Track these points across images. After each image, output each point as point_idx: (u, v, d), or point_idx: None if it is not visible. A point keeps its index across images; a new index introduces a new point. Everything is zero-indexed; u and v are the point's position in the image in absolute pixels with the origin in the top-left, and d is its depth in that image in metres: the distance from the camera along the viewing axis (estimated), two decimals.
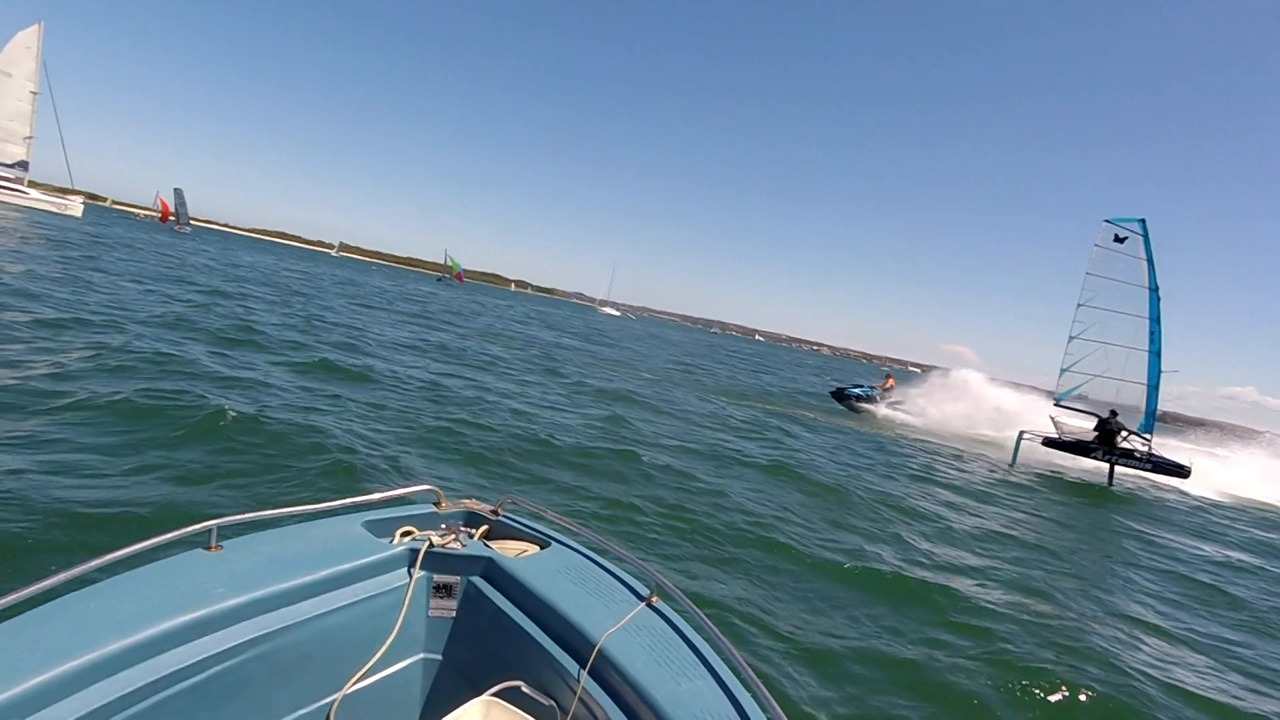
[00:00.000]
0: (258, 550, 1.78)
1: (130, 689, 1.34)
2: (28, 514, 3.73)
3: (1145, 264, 16.55)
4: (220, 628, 1.54)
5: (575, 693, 1.61)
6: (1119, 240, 16.81)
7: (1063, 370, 16.67)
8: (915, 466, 12.14)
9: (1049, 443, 15.80)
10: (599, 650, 1.64)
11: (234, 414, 6.18)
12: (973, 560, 6.63)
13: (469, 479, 6.23)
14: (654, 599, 1.92)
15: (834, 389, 21.54)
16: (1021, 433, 15.71)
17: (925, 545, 6.80)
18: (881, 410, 20.04)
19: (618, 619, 1.76)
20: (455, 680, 1.93)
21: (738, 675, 1.64)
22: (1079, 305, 16.77)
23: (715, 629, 1.71)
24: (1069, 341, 16.59)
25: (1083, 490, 13.99)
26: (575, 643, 1.71)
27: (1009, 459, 15.49)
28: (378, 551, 1.93)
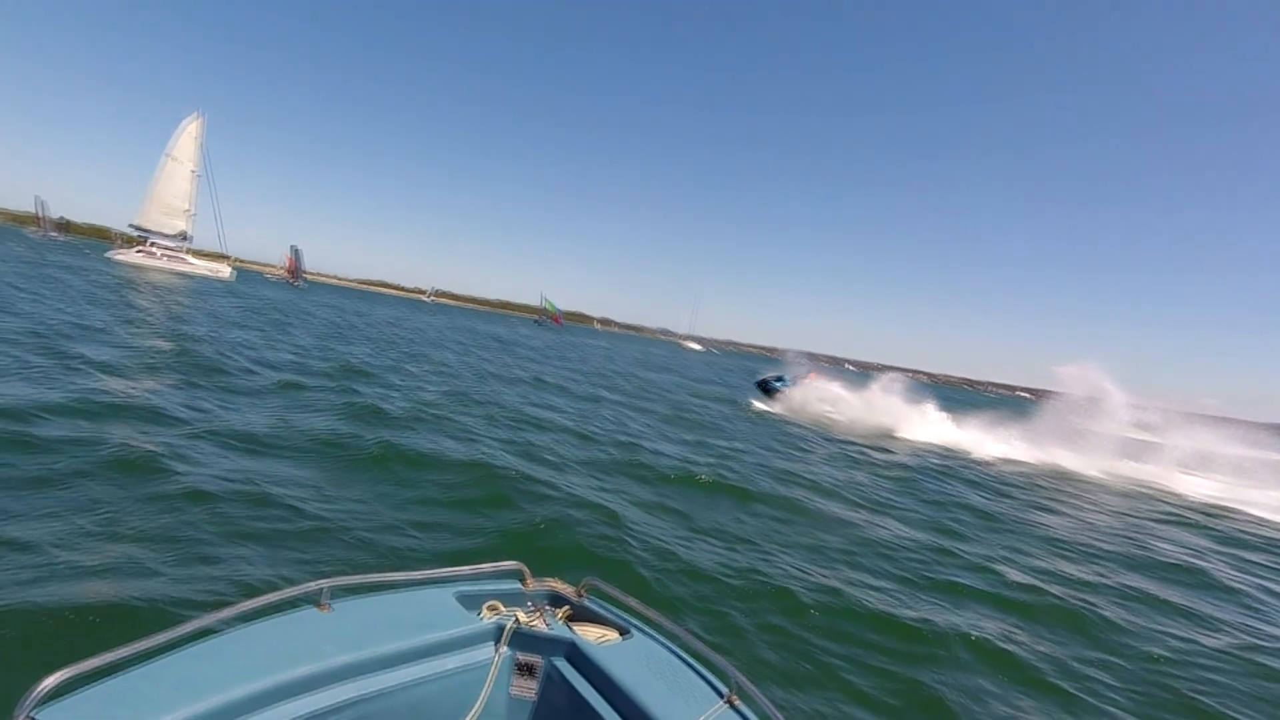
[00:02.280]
0: (363, 613, 1.90)
1: None
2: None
3: None
4: (327, 685, 1.65)
5: None
6: None
7: None
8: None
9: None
10: None
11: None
12: None
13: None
14: (734, 699, 1.87)
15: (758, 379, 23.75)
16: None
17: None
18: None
19: (696, 716, 1.75)
20: None
21: None
22: None
23: None
24: None
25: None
26: None
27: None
28: (466, 624, 2.00)
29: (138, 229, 50.91)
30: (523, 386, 16.46)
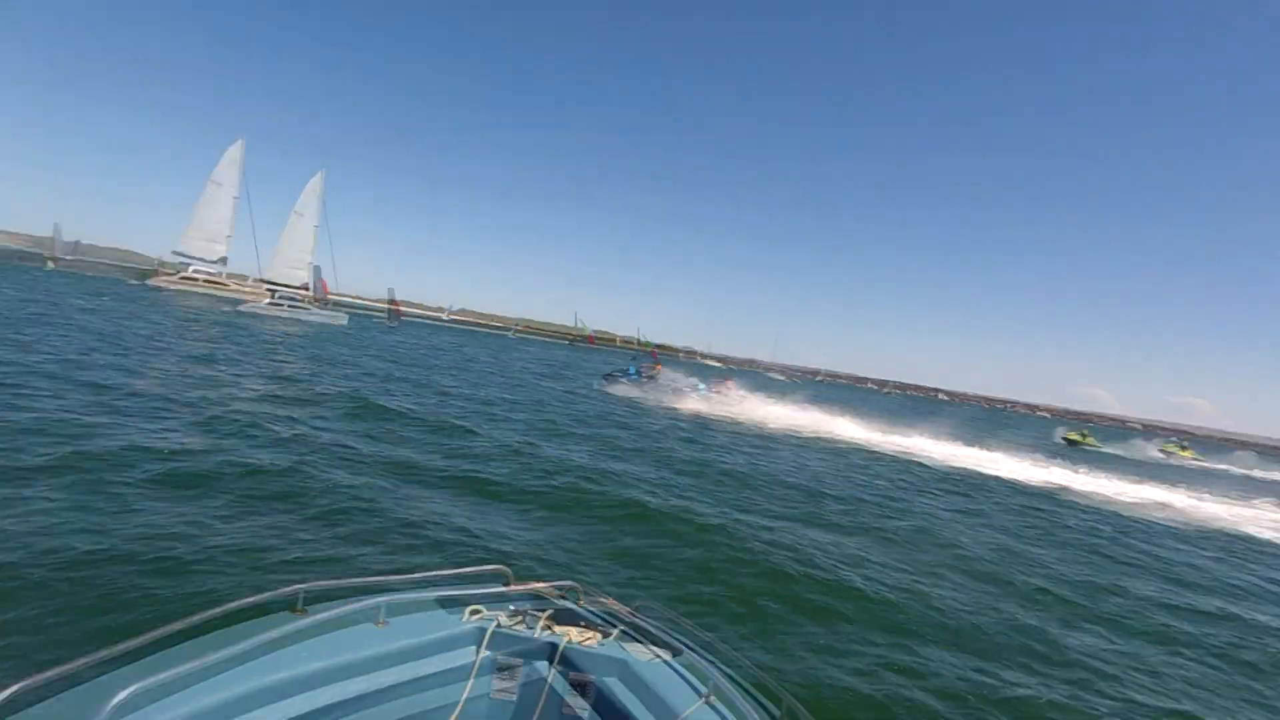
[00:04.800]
0: (339, 618, 1.89)
1: None
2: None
3: None
4: (306, 690, 1.70)
5: None
6: None
7: None
8: None
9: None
10: None
11: None
12: None
13: None
14: (711, 698, 1.84)
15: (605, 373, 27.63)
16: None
17: None
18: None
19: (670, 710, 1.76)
20: None
21: None
22: None
23: None
24: None
25: None
26: None
27: None
28: (447, 628, 2.02)
29: (182, 256, 49.99)
30: None
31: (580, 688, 1.92)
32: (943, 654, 4.87)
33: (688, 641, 2.09)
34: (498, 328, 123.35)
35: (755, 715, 1.76)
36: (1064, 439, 40.68)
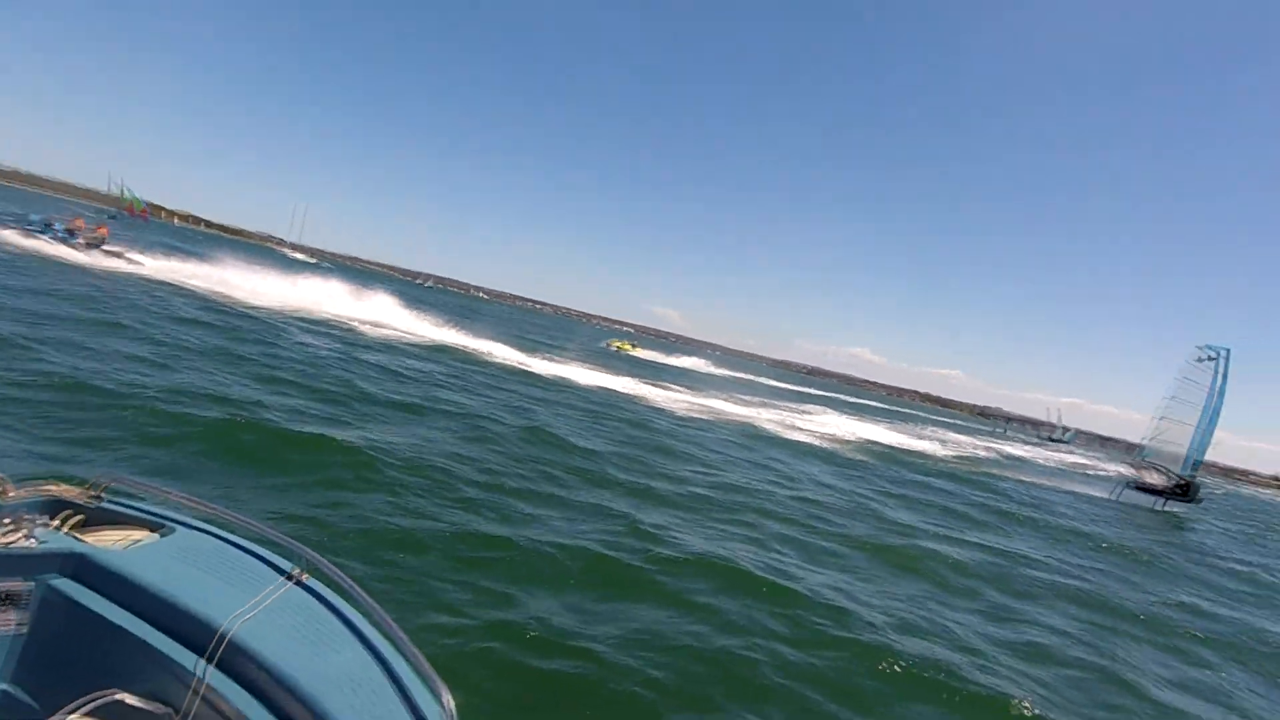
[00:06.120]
0: None
1: None
2: None
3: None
4: None
5: (195, 690, 1.47)
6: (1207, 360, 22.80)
7: None
8: None
9: None
10: (227, 639, 1.52)
11: None
12: None
13: None
14: (304, 576, 1.81)
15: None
16: None
17: None
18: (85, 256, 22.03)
19: (253, 602, 1.63)
20: (23, 710, 1.63)
21: (390, 640, 1.63)
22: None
23: (368, 597, 1.67)
24: None
25: None
26: (196, 635, 1.55)
27: None
28: None
29: None
30: None
31: (119, 598, 1.65)
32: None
33: (263, 525, 1.91)
34: None
35: (275, 575, 1.79)
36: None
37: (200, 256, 31.94)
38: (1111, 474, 28.23)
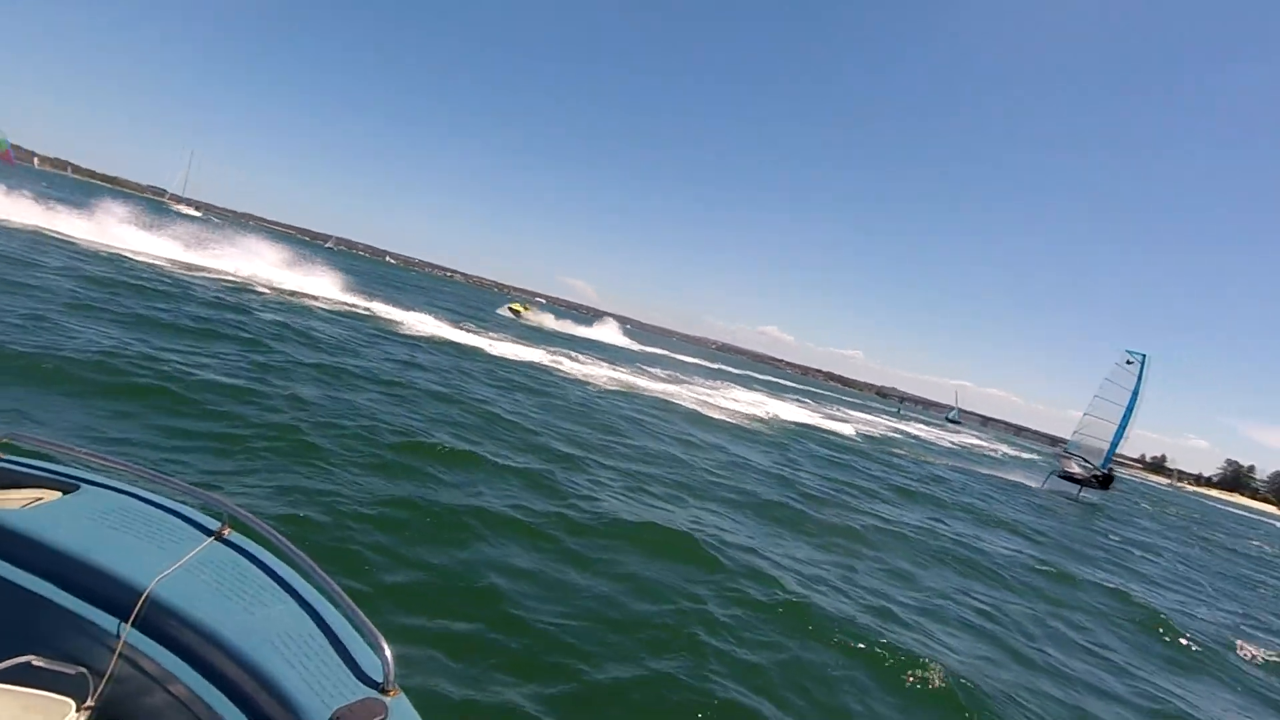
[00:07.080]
0: None
1: None
2: None
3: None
4: None
5: (115, 650, 1.42)
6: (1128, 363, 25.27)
7: None
8: None
9: None
10: (148, 598, 1.45)
11: None
12: None
13: None
14: (226, 531, 1.74)
15: None
16: None
17: None
18: None
19: (175, 560, 1.56)
20: None
21: (323, 593, 1.56)
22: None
23: (297, 549, 1.57)
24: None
25: None
26: (114, 596, 1.47)
27: None
28: None
29: None
30: None
31: (24, 560, 1.52)
32: None
33: (181, 480, 1.81)
34: None
35: (196, 532, 1.71)
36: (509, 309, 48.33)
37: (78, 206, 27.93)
38: (1000, 454, 30.76)
